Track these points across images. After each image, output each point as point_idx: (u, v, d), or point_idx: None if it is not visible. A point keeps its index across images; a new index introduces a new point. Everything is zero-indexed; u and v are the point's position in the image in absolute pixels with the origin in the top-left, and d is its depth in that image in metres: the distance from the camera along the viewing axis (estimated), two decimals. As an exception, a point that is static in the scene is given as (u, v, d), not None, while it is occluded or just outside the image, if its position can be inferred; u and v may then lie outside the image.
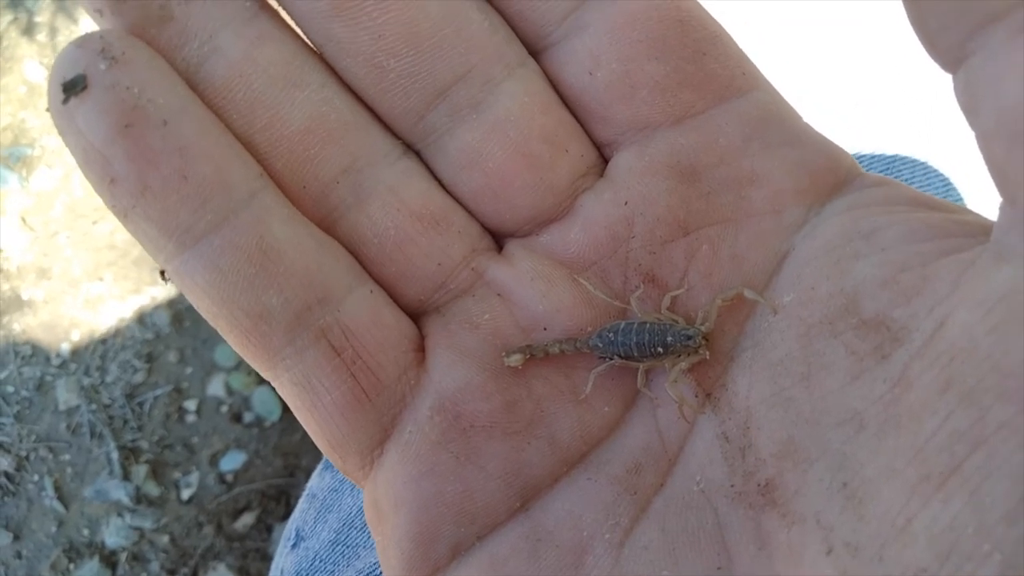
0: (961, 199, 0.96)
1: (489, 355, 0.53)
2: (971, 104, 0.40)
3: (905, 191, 0.52)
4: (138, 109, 0.48)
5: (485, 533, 0.50)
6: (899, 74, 0.94)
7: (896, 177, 0.93)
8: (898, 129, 0.97)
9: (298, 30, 0.54)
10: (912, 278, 0.45)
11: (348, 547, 0.82)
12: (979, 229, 0.46)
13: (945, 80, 0.42)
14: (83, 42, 0.48)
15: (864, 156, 0.95)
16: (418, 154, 0.56)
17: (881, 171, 0.94)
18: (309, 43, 0.54)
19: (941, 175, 0.95)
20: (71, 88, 0.48)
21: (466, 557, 0.50)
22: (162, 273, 0.53)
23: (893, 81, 0.96)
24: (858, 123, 0.97)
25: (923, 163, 0.96)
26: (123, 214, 0.49)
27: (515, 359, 0.52)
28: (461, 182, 0.55)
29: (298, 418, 0.53)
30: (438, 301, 0.56)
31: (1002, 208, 0.41)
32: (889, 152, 0.96)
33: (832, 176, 0.53)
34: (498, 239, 0.58)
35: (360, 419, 0.52)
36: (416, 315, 0.56)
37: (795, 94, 0.60)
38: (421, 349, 0.54)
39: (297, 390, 0.52)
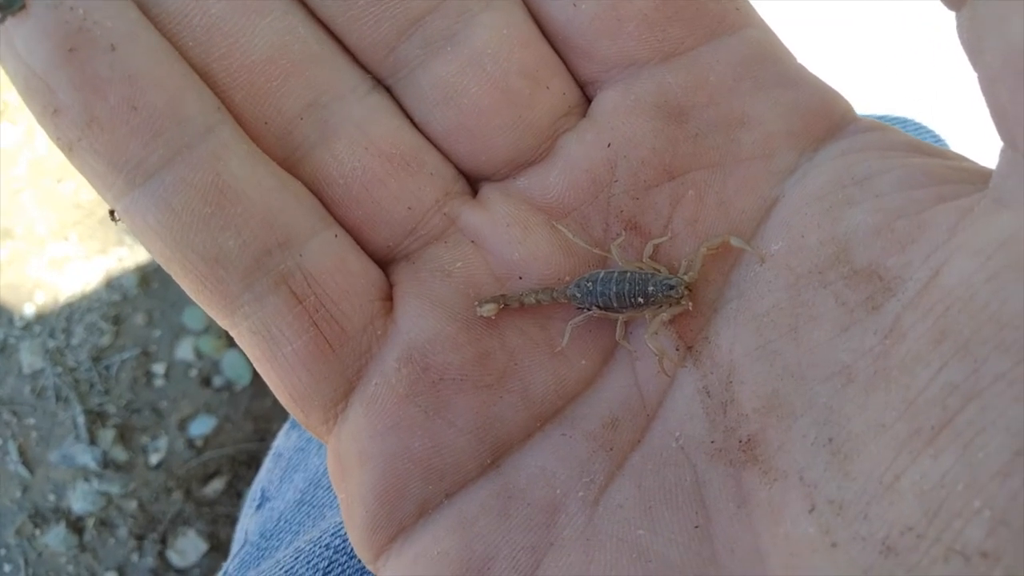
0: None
1: (461, 305, 0.51)
2: (975, 43, 0.38)
3: (901, 136, 0.49)
4: (83, 32, 0.44)
5: (454, 490, 0.48)
6: (897, 37, 0.92)
7: None
8: (893, 92, 0.95)
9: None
10: (907, 225, 0.43)
11: (314, 507, 0.79)
12: (977, 176, 0.44)
13: (940, 47, 0.40)
14: None
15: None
16: (389, 89, 0.53)
17: None
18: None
19: (934, 138, 0.93)
20: (8, 6, 0.44)
21: (434, 515, 0.47)
22: (111, 213, 0.49)
23: (890, 44, 0.94)
24: (852, 86, 0.95)
25: (915, 125, 0.94)
26: (68, 147, 0.46)
27: (488, 309, 0.50)
28: (434, 120, 0.52)
29: (258, 370, 0.50)
30: (408, 247, 0.53)
31: (1002, 152, 0.40)
32: (879, 115, 0.94)
33: (826, 120, 0.51)
34: (473, 183, 0.55)
35: (323, 371, 0.49)
36: (385, 262, 0.53)
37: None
38: (389, 298, 0.51)
39: (256, 339, 0.49)
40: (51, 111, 0.44)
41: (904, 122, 0.92)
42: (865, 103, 0.93)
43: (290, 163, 0.51)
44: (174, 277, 0.49)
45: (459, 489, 0.48)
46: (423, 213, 0.52)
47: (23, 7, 0.44)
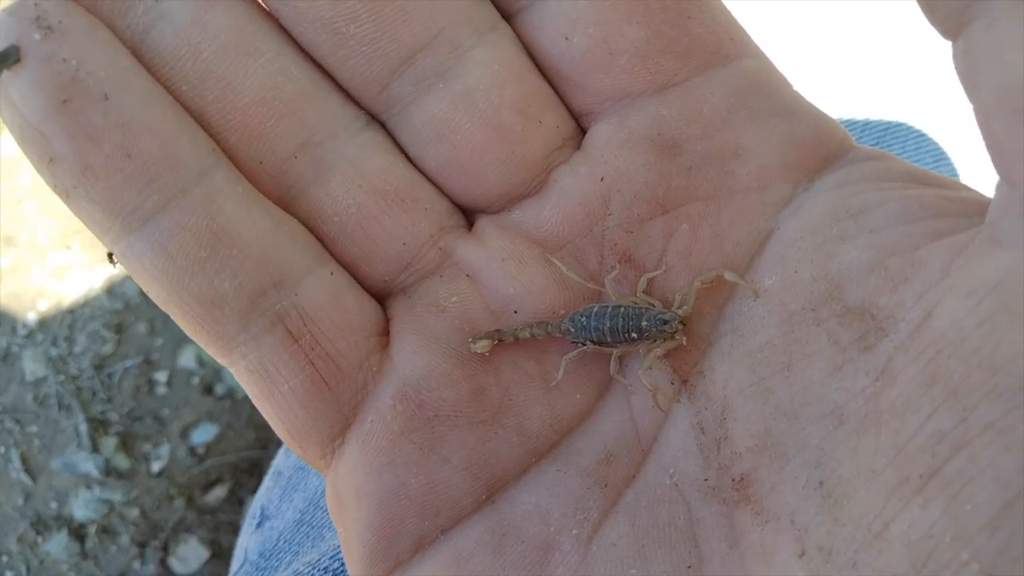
0: (955, 171, 0.94)
1: (456, 340, 0.51)
2: (970, 75, 0.37)
3: (898, 165, 0.49)
4: (76, 83, 0.44)
5: (449, 526, 0.48)
6: (897, 40, 0.92)
7: (888, 149, 0.91)
8: (894, 94, 0.94)
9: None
10: (901, 263, 0.42)
11: (313, 527, 0.79)
12: (975, 208, 0.44)
13: (944, 46, 0.39)
14: (16, 9, 0.44)
15: (856, 123, 0.93)
16: (383, 125, 0.53)
17: (873, 142, 0.91)
18: (264, 7, 0.50)
19: (934, 145, 0.93)
20: (3, 60, 0.44)
21: (430, 551, 0.48)
22: (110, 256, 0.49)
23: (891, 45, 0.93)
24: (852, 87, 0.94)
25: (917, 132, 0.93)
26: (65, 194, 0.46)
27: (482, 345, 0.50)
28: (428, 155, 0.52)
29: (256, 406, 0.51)
30: (404, 282, 0.53)
31: (999, 187, 0.39)
32: (883, 120, 0.93)
33: (822, 150, 0.50)
34: (469, 215, 0.55)
35: (320, 408, 0.49)
36: (381, 297, 0.53)
37: (788, 59, 0.57)
38: (385, 333, 0.52)
39: (254, 378, 0.49)
40: (47, 160, 0.44)
41: (907, 134, 0.92)
42: (871, 108, 0.93)
43: (285, 201, 0.51)
44: (172, 317, 0.49)
45: (455, 525, 0.48)
46: (418, 248, 0.52)
47: (18, 60, 0.44)
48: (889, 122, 0.92)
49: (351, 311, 0.50)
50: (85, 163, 0.45)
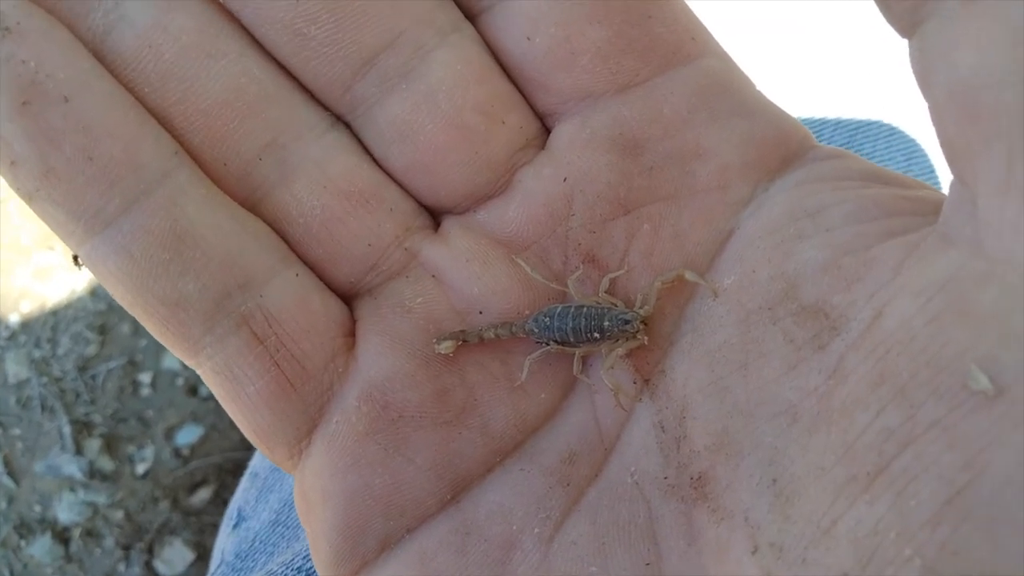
0: (931, 165, 0.94)
1: (421, 341, 0.51)
2: (924, 74, 0.38)
3: (858, 164, 0.49)
4: (36, 85, 0.45)
5: (415, 526, 0.48)
6: (868, 37, 0.92)
7: (858, 149, 0.91)
8: (865, 92, 0.95)
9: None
10: (854, 262, 0.43)
11: (288, 528, 0.80)
12: (931, 207, 0.44)
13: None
14: None
15: (828, 123, 0.93)
16: (348, 127, 0.53)
17: (843, 142, 0.92)
18: (225, 9, 0.50)
19: (906, 142, 0.93)
20: (-39, 60, 0.45)
21: (395, 550, 0.48)
22: (75, 258, 0.50)
23: (861, 44, 0.94)
24: (823, 87, 0.95)
25: (888, 130, 0.94)
26: (28, 197, 0.46)
27: (446, 346, 0.50)
28: (392, 156, 0.52)
29: (224, 407, 0.51)
30: (370, 283, 0.53)
31: (952, 186, 0.40)
32: (854, 119, 0.94)
33: (782, 149, 0.51)
34: (435, 216, 0.55)
35: (285, 409, 0.49)
36: (348, 297, 0.54)
37: (757, 60, 0.58)
38: (352, 334, 0.52)
39: (220, 379, 0.49)
40: (8, 163, 0.44)
41: (878, 132, 0.92)
42: (841, 107, 0.94)
43: (251, 203, 0.51)
44: (138, 319, 0.49)
45: (419, 525, 0.48)
46: (383, 249, 0.52)
47: (-24, 61, 0.44)
48: (860, 121, 0.93)
49: (317, 312, 0.50)
50: (47, 166, 0.45)
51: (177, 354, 0.50)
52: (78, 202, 0.45)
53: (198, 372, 0.50)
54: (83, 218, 0.46)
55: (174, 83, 0.48)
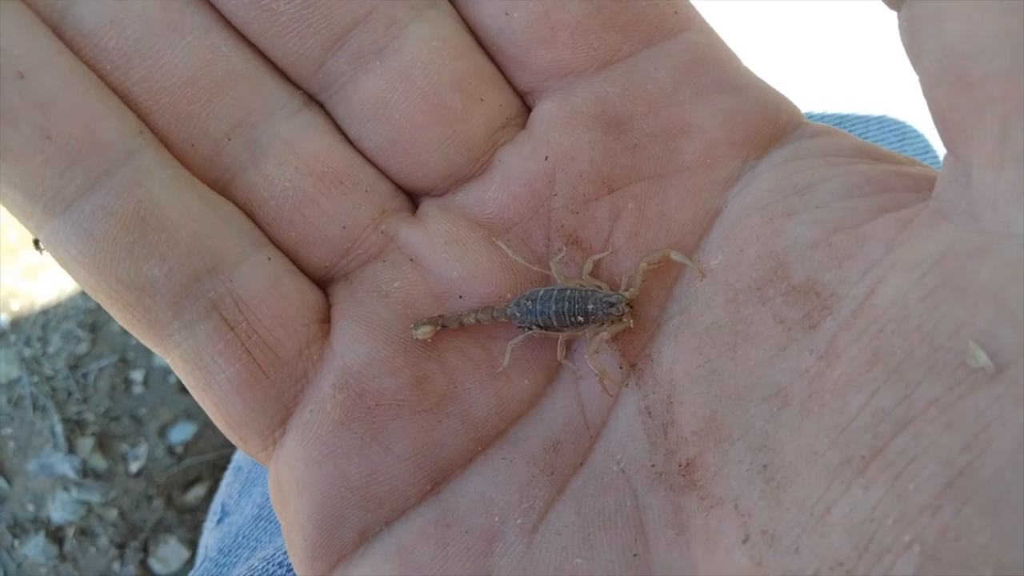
0: (927, 147, 0.93)
1: (398, 327, 0.49)
2: (914, 45, 0.36)
3: (849, 140, 0.48)
4: None
5: (393, 518, 0.47)
6: (856, 28, 0.91)
7: (848, 130, 0.90)
8: (854, 80, 0.93)
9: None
10: (845, 239, 0.41)
11: (271, 522, 0.78)
12: (924, 183, 0.43)
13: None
14: None
15: (814, 116, 0.92)
16: (321, 106, 0.51)
17: (833, 124, 0.90)
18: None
19: (897, 124, 0.92)
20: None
21: (373, 543, 0.46)
22: (36, 242, 0.48)
23: (849, 31, 0.92)
24: (811, 77, 0.93)
25: (878, 116, 0.92)
26: None
27: (424, 331, 0.48)
28: (367, 136, 0.51)
29: (194, 397, 0.49)
30: (346, 267, 0.51)
31: (945, 160, 0.38)
32: (842, 108, 0.93)
33: (770, 126, 0.49)
34: (413, 198, 0.53)
35: (258, 398, 0.47)
36: (323, 282, 0.52)
37: (744, 50, 0.56)
38: (327, 320, 0.50)
39: (189, 367, 0.47)
40: None
41: (867, 119, 0.91)
42: (830, 99, 0.92)
43: (220, 185, 0.49)
44: (102, 305, 0.48)
45: (398, 516, 0.47)
46: (359, 232, 0.51)
47: (-73, 33, 0.42)
48: (847, 114, 0.91)
49: (290, 298, 0.49)
50: (3, 145, 0.43)
51: (144, 341, 0.48)
52: (36, 182, 0.44)
53: (167, 360, 0.48)
54: (42, 199, 0.44)
55: (137, 60, 0.46)
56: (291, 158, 0.49)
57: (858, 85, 0.94)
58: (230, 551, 0.79)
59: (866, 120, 0.90)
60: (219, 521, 0.86)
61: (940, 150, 0.92)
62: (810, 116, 0.91)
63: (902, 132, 0.91)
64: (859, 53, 0.92)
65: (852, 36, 0.91)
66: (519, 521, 0.45)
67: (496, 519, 0.45)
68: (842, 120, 0.90)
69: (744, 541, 0.38)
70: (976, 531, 0.31)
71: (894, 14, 0.38)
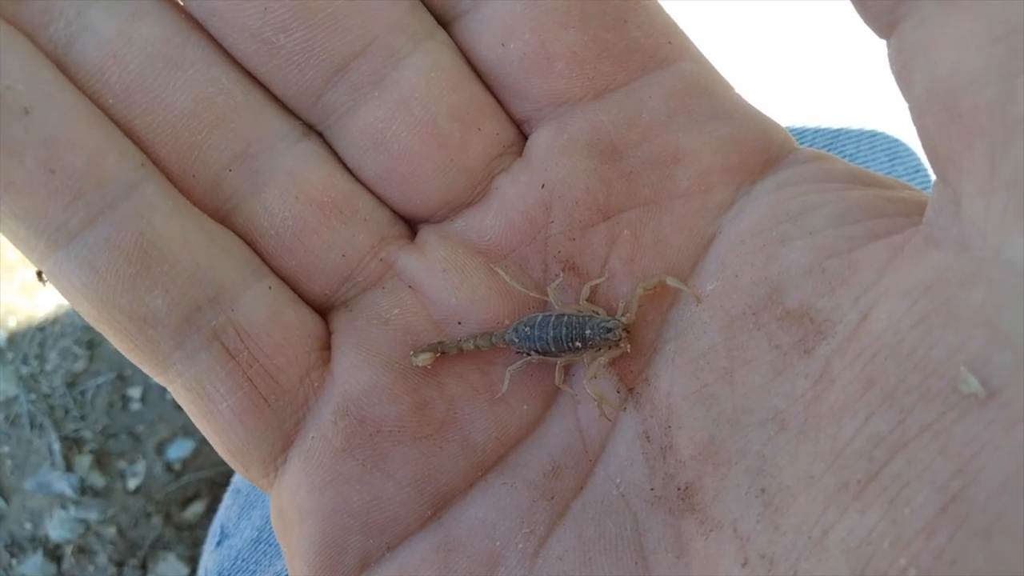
0: (918, 166, 0.94)
1: (398, 353, 0.50)
2: (903, 73, 0.37)
3: (840, 166, 0.49)
4: None
5: (396, 543, 0.47)
6: (846, 41, 0.92)
7: (840, 151, 0.91)
8: (845, 98, 0.94)
9: (180, 3, 0.49)
10: (838, 265, 0.42)
11: (270, 546, 0.78)
12: (915, 207, 0.44)
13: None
14: None
15: (808, 131, 0.93)
16: (321, 136, 0.52)
17: (825, 145, 0.91)
18: (193, 18, 0.49)
19: (889, 142, 0.92)
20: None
21: (375, 569, 0.47)
22: (39, 274, 0.48)
23: (840, 48, 0.93)
24: (802, 95, 0.94)
25: (870, 134, 0.93)
26: None
27: (424, 358, 0.49)
28: (366, 165, 0.51)
29: (196, 425, 0.50)
30: (346, 295, 0.52)
31: (935, 187, 0.39)
32: (833, 127, 0.93)
33: (763, 152, 0.50)
34: (412, 225, 0.54)
35: (259, 426, 0.48)
36: (323, 310, 0.52)
37: (735, 68, 0.57)
38: (327, 348, 0.51)
39: (191, 396, 0.48)
40: None
41: (859, 136, 0.92)
42: (822, 113, 0.93)
43: (222, 215, 0.50)
44: (105, 336, 0.48)
45: (400, 542, 0.47)
46: (358, 260, 0.51)
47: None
48: (839, 129, 0.92)
49: (291, 326, 0.49)
50: (7, 179, 0.43)
51: (147, 371, 0.49)
52: (40, 216, 0.44)
53: (168, 388, 0.49)
54: (46, 232, 0.45)
55: (139, 94, 0.47)
56: (291, 188, 0.50)
57: (851, 101, 0.94)
58: (230, 574, 0.79)
59: (858, 137, 0.91)
60: (218, 544, 0.86)
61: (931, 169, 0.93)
62: (804, 132, 0.92)
63: (893, 151, 0.92)
64: (852, 69, 0.93)
65: (845, 52, 0.92)
66: (520, 546, 0.45)
67: (497, 544, 0.46)
68: (835, 136, 0.91)
69: (743, 564, 0.39)
70: (971, 555, 0.31)
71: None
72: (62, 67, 0.46)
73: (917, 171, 0.92)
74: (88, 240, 0.45)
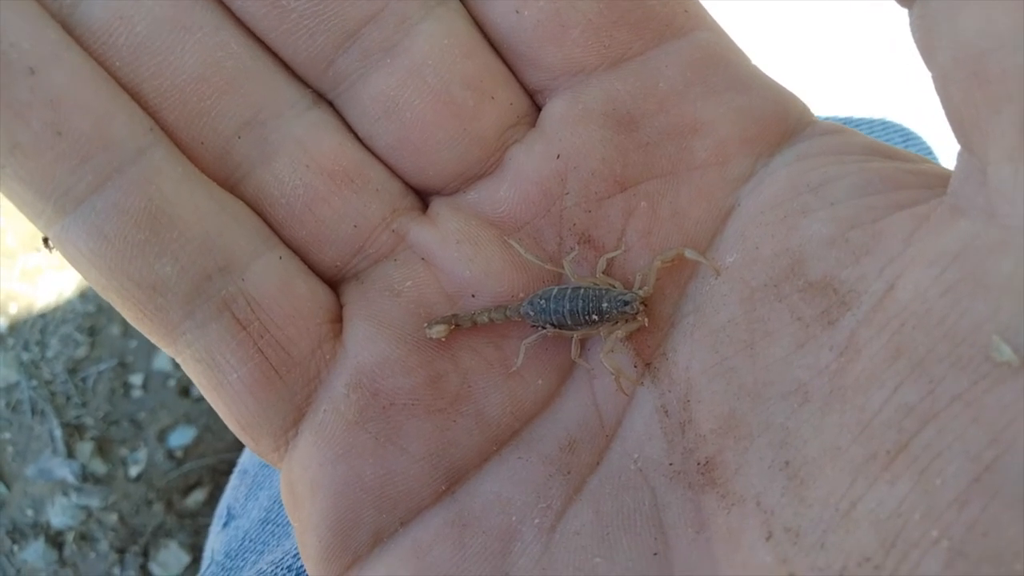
0: (929, 152, 0.93)
1: (411, 326, 0.49)
2: (927, 41, 0.36)
3: (859, 139, 0.48)
4: (0, 55, 0.42)
5: (409, 518, 0.46)
6: (858, 32, 0.91)
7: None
8: (855, 88, 0.94)
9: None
10: (862, 235, 0.41)
11: (278, 525, 0.78)
12: (937, 180, 0.43)
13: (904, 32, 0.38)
14: None
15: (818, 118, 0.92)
16: (332, 104, 0.51)
17: None
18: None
19: (901, 128, 0.92)
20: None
21: (388, 544, 0.46)
22: (45, 240, 0.47)
23: (852, 39, 0.92)
24: (814, 85, 0.93)
25: (881, 120, 0.92)
26: None
27: (438, 331, 0.48)
28: (378, 134, 0.50)
29: (205, 397, 0.49)
30: (357, 266, 0.51)
31: (960, 156, 0.38)
32: (841, 116, 0.93)
33: (781, 123, 0.49)
34: (424, 197, 0.53)
35: (270, 398, 0.47)
36: (334, 282, 0.51)
37: (749, 51, 0.56)
38: (339, 319, 0.50)
39: (201, 367, 0.47)
40: None
41: (871, 121, 0.91)
42: (833, 105, 0.92)
43: (231, 183, 0.49)
44: (113, 305, 0.47)
45: (414, 517, 0.46)
46: (370, 231, 0.50)
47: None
48: (848, 117, 0.91)
49: (302, 297, 0.48)
50: (12, 141, 0.42)
51: (155, 340, 0.48)
52: (47, 180, 0.43)
53: (177, 360, 0.48)
54: (52, 197, 0.44)
55: (147, 57, 0.46)
56: (302, 156, 0.49)
57: (860, 89, 0.94)
58: (237, 555, 0.79)
59: (870, 123, 0.91)
60: (225, 525, 0.86)
61: (942, 154, 0.93)
62: None
63: (905, 135, 0.91)
64: (862, 57, 0.92)
65: (855, 39, 0.91)
66: (536, 521, 0.45)
67: (513, 519, 0.45)
68: (846, 123, 0.91)
69: (768, 538, 0.38)
70: (1004, 526, 0.31)
71: (898, 17, 0.38)
72: (68, 28, 0.45)
73: (928, 156, 0.91)
74: (96, 205, 0.44)
